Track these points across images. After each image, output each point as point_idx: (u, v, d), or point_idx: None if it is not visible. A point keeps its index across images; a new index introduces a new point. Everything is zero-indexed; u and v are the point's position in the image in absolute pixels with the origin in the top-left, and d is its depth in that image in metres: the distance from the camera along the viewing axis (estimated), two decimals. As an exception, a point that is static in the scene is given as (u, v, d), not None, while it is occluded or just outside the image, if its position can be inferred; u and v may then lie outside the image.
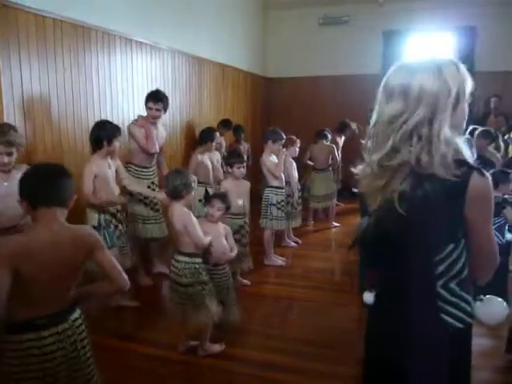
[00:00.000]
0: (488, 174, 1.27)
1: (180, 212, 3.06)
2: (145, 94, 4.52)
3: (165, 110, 4.45)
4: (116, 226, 3.71)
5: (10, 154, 2.87)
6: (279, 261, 5.01)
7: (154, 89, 4.58)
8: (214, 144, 5.04)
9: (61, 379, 1.80)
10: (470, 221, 1.28)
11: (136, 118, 4.47)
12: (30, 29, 3.65)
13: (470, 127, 5.55)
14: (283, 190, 4.96)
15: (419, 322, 1.33)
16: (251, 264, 4.26)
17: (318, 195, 6.31)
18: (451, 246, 1.30)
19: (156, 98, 4.36)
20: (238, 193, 4.14)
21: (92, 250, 1.85)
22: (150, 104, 4.35)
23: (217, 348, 3.20)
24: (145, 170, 4.41)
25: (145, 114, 4.44)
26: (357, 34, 8.13)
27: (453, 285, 1.32)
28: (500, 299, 1.49)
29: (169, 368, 3.04)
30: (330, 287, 4.23)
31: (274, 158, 4.88)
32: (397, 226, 1.31)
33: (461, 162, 1.27)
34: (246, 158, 6.36)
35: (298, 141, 5.44)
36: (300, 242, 5.68)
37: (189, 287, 3.02)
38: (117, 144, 3.70)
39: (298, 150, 5.46)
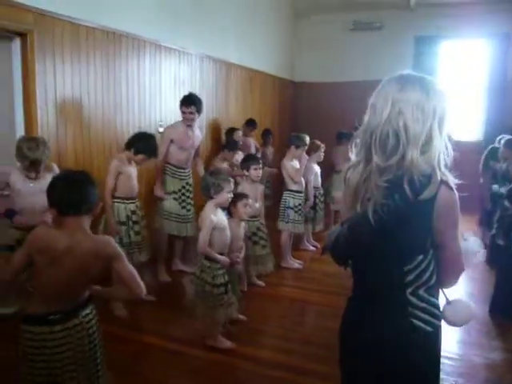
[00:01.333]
0: (454, 189, 1.36)
1: (205, 212, 3.21)
2: (172, 98, 4.71)
3: (198, 112, 4.62)
4: (135, 222, 3.86)
5: (37, 171, 3.18)
6: (296, 264, 5.11)
7: (181, 93, 4.77)
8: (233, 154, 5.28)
9: (66, 373, 1.94)
10: (440, 230, 1.36)
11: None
12: (64, 36, 3.87)
13: (500, 136, 5.51)
14: (301, 195, 5.05)
15: (390, 326, 1.43)
16: (272, 265, 4.36)
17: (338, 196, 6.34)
18: (420, 257, 1.39)
19: (188, 102, 4.54)
20: (255, 195, 4.24)
21: (110, 261, 1.95)
22: (183, 108, 4.54)
23: (227, 344, 3.31)
24: (181, 170, 4.60)
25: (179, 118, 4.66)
26: (388, 40, 8.12)
27: (421, 291, 1.41)
28: (466, 300, 1.56)
29: (182, 362, 3.17)
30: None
31: (295, 163, 4.97)
32: (368, 237, 1.39)
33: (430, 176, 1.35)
34: (268, 161, 6.54)
35: (323, 146, 5.48)
36: (319, 246, 5.72)
37: (212, 286, 3.17)
38: (142, 161, 3.87)
39: (322, 154, 5.52)
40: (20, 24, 3.49)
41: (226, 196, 3.28)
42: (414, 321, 1.40)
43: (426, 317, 1.41)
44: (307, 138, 5.09)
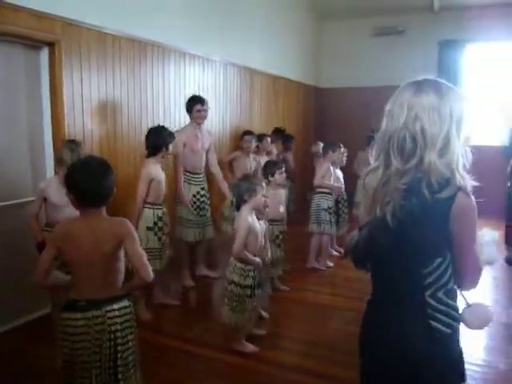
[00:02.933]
0: (472, 196, 1.36)
1: (241, 216, 3.27)
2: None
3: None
4: (160, 228, 3.90)
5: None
6: (319, 266, 5.23)
7: (208, 101, 4.81)
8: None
9: (82, 364, 1.98)
10: (457, 234, 1.37)
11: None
12: (91, 44, 3.98)
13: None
14: (331, 196, 5.11)
15: (410, 327, 1.43)
16: (287, 267, 4.39)
17: (360, 202, 6.29)
18: (439, 260, 1.39)
19: (202, 100, 4.62)
20: (279, 200, 4.26)
21: (123, 239, 2.00)
22: (199, 106, 4.57)
23: (251, 348, 3.34)
24: (196, 175, 4.64)
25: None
26: (411, 44, 8.07)
27: (440, 294, 1.40)
28: (486, 304, 1.55)
29: (203, 364, 3.20)
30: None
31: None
32: (387, 240, 1.40)
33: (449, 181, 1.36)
34: (291, 167, 6.56)
35: (342, 150, 5.45)
36: (342, 251, 5.70)
37: (240, 287, 3.22)
38: (171, 148, 3.93)
39: (345, 159, 5.53)
40: (48, 34, 3.60)
41: (261, 199, 3.31)
42: (433, 323, 1.40)
43: (445, 319, 1.41)
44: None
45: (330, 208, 5.06)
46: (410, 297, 1.44)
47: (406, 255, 1.41)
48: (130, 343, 2.09)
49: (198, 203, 4.60)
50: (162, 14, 4.67)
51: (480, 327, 1.52)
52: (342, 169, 5.58)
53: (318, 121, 8.79)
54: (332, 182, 5.14)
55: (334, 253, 5.67)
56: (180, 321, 3.88)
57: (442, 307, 1.41)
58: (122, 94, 4.33)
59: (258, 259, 3.27)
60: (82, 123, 3.96)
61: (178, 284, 4.63)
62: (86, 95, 3.97)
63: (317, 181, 5.08)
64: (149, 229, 3.82)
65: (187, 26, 5.07)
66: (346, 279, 4.82)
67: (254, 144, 5.52)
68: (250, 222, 3.24)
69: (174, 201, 4.55)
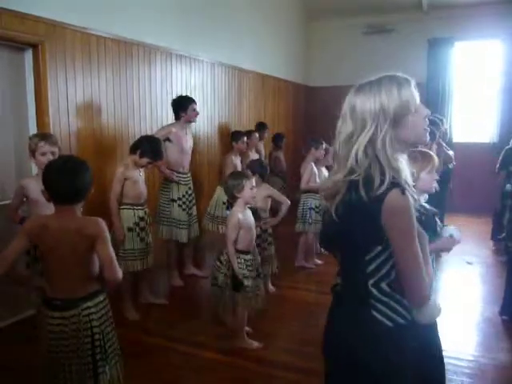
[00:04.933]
0: (409, 195, 1.32)
1: (233, 211, 3.31)
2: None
3: None
4: (142, 229, 3.89)
5: (54, 154, 3.10)
6: (308, 264, 5.26)
7: (196, 101, 4.82)
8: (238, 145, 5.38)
9: (60, 360, 2.01)
10: (388, 234, 1.34)
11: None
12: (75, 45, 3.97)
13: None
14: (319, 195, 5.11)
15: (352, 317, 1.46)
16: (275, 268, 4.35)
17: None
18: (379, 248, 1.37)
19: (194, 100, 4.70)
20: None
21: (95, 240, 2.01)
22: (195, 106, 4.67)
23: (254, 345, 3.38)
24: (184, 175, 4.66)
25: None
26: (401, 43, 8.09)
27: (383, 285, 1.40)
28: (432, 299, 1.55)
29: (193, 363, 3.20)
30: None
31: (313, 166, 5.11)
32: (333, 230, 1.48)
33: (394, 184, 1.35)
34: (282, 166, 6.56)
35: (324, 146, 5.38)
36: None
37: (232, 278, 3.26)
38: (147, 164, 3.90)
39: (330, 157, 5.51)
40: (31, 35, 3.60)
41: (250, 192, 3.32)
42: (375, 313, 1.40)
43: (388, 311, 1.40)
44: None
45: (317, 207, 5.07)
46: (355, 285, 1.45)
47: (349, 243, 1.44)
48: (110, 335, 2.14)
49: (187, 203, 4.62)
50: (147, 13, 4.67)
51: (427, 321, 1.50)
52: (328, 168, 5.57)
53: (307, 119, 8.79)
54: (318, 181, 5.10)
55: (323, 251, 5.68)
56: (167, 320, 3.87)
57: (385, 299, 1.40)
58: (108, 95, 4.32)
59: (235, 266, 3.27)
60: (68, 124, 3.95)
61: (166, 284, 4.64)
62: (72, 96, 3.97)
63: (303, 185, 5.09)
64: (129, 229, 3.82)
65: (174, 25, 5.08)
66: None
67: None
68: (240, 217, 3.27)
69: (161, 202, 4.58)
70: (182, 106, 4.62)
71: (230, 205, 3.42)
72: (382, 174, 1.34)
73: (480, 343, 3.50)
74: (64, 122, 3.92)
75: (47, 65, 3.73)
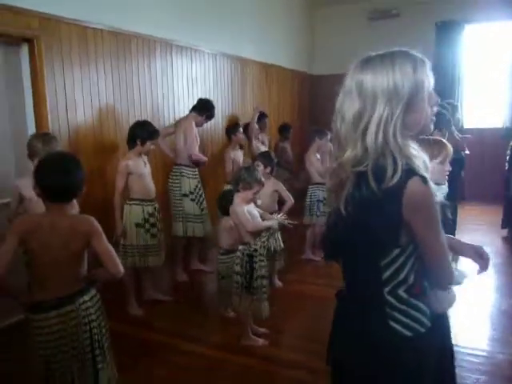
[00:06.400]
0: (431, 183, 1.21)
1: (235, 205, 3.25)
2: (186, 97, 4.69)
3: None
4: (153, 225, 3.83)
5: None
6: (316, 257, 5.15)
7: (194, 91, 4.81)
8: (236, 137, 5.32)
9: (60, 361, 1.97)
10: (411, 226, 1.22)
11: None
12: (72, 39, 3.87)
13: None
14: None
15: (366, 326, 1.33)
16: (282, 263, 4.28)
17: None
18: (396, 251, 1.26)
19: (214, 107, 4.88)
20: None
21: (89, 238, 1.99)
22: (213, 112, 4.83)
23: (259, 342, 3.32)
24: (193, 169, 4.61)
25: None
26: (408, 28, 7.86)
27: (401, 291, 1.28)
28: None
29: (196, 360, 3.13)
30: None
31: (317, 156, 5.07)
32: (343, 233, 1.31)
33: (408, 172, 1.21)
34: (289, 157, 6.44)
35: (329, 137, 5.29)
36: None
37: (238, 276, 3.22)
38: (150, 146, 3.84)
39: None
40: (26, 30, 3.50)
41: (251, 196, 3.29)
42: (392, 323, 1.29)
43: (406, 320, 1.29)
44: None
45: (325, 199, 4.95)
46: (368, 293, 1.33)
47: (362, 245, 1.30)
48: (104, 329, 2.13)
49: (198, 197, 4.57)
50: (144, 4, 4.55)
51: (443, 310, 1.41)
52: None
53: (312, 108, 8.64)
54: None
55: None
56: (171, 316, 3.81)
57: (403, 307, 1.28)
58: (107, 89, 4.22)
59: (269, 222, 3.27)
60: (67, 119, 3.87)
61: (171, 279, 4.58)
62: (70, 91, 3.88)
63: (315, 179, 5.05)
64: (138, 225, 3.76)
65: (173, 16, 4.95)
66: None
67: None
68: (245, 208, 3.24)
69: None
70: (207, 111, 4.73)
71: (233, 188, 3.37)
72: (394, 162, 1.20)
73: (497, 339, 3.34)
74: (63, 118, 3.83)
75: (43, 59, 3.64)
